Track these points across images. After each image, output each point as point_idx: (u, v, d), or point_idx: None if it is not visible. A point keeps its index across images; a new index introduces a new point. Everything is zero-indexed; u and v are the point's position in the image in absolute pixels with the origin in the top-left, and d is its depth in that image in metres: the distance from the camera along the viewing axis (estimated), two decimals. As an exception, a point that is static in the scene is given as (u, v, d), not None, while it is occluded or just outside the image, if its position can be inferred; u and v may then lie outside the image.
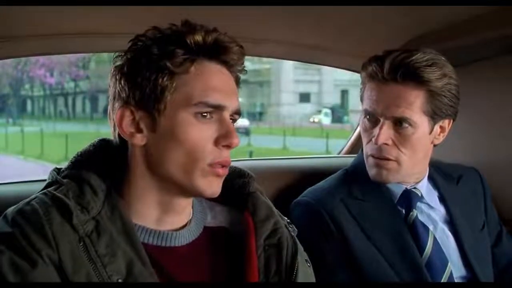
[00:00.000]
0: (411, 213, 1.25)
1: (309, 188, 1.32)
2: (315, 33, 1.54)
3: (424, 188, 1.29)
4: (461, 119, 1.27)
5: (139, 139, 0.85)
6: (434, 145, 1.27)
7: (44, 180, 0.89)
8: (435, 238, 1.23)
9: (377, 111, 1.19)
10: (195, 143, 0.83)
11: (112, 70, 0.87)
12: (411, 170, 1.24)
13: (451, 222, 1.27)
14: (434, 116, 1.19)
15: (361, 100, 1.27)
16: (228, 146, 0.85)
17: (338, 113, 30.06)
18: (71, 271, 0.75)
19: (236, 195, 0.98)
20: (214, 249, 0.91)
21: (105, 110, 0.93)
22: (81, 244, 0.78)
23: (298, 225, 1.03)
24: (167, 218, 0.89)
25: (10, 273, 0.72)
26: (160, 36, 0.85)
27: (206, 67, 0.85)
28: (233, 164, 1.03)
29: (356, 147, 1.88)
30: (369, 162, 1.24)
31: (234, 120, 0.89)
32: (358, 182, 1.28)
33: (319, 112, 30.10)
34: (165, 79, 0.83)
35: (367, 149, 1.24)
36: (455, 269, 1.22)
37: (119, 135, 0.88)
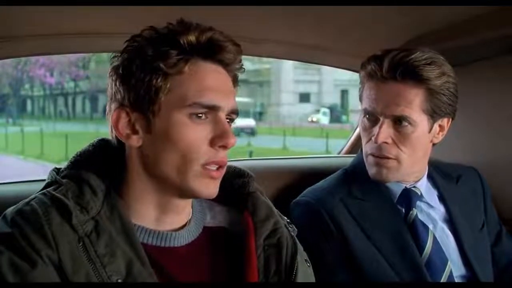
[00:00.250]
0: (411, 212, 1.25)
1: (309, 188, 1.32)
2: (315, 33, 1.54)
3: (424, 187, 1.29)
4: (461, 119, 1.27)
5: (135, 141, 0.85)
6: (433, 144, 1.27)
7: (44, 180, 0.89)
8: (434, 237, 1.24)
9: (377, 110, 1.19)
10: (189, 144, 0.82)
11: (109, 71, 0.87)
12: (410, 169, 1.24)
13: (450, 221, 1.28)
14: (433, 114, 1.20)
15: (360, 99, 1.27)
16: (224, 147, 0.84)
17: (337, 113, 30.06)
18: (70, 271, 0.75)
19: (235, 195, 0.98)
20: (213, 249, 0.91)
21: (105, 110, 0.93)
22: (80, 244, 0.78)
23: (298, 225, 1.03)
24: (166, 219, 0.89)
25: (9, 273, 0.72)
26: (155, 37, 0.84)
27: (200, 67, 0.85)
28: (233, 164, 1.03)
29: (356, 147, 1.88)
30: (369, 161, 1.24)
31: (231, 120, 0.88)
32: (358, 181, 1.28)
33: (318, 111, 30.09)
34: (158, 80, 0.82)
35: (367, 148, 1.24)
36: (455, 268, 1.23)
37: (116, 135, 0.88)
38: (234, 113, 0.88)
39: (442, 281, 1.19)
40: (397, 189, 1.26)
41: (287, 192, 1.40)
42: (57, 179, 0.85)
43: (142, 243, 0.83)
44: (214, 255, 0.91)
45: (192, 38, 0.83)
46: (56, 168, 0.90)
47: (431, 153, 1.34)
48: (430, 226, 1.25)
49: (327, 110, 29.67)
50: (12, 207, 0.80)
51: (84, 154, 0.90)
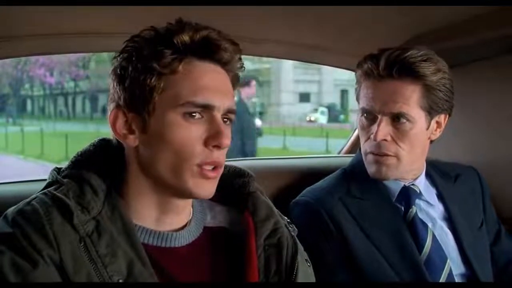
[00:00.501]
0: (410, 210, 1.25)
1: (308, 188, 1.32)
2: (315, 33, 1.54)
3: (422, 184, 1.29)
4: (460, 119, 1.27)
5: (132, 140, 0.85)
6: (431, 141, 1.28)
7: (44, 180, 0.89)
8: (434, 235, 1.24)
9: (375, 108, 1.20)
10: (183, 143, 0.82)
11: (110, 71, 0.88)
12: (409, 166, 1.25)
13: (449, 220, 1.28)
14: (430, 111, 1.21)
15: (357, 99, 1.28)
16: (218, 147, 0.83)
17: (335, 112, 30.05)
18: (72, 271, 0.75)
19: (236, 195, 0.98)
20: (214, 250, 0.91)
21: (105, 110, 0.93)
22: (81, 244, 0.78)
23: (297, 224, 1.03)
24: (166, 219, 0.89)
25: (11, 273, 0.72)
26: (153, 37, 0.85)
27: (195, 67, 0.84)
28: (233, 163, 1.03)
29: (356, 146, 1.88)
30: (368, 160, 1.25)
31: (228, 120, 0.88)
32: (357, 181, 1.28)
33: (316, 110, 30.08)
34: (152, 79, 0.82)
35: (366, 146, 1.25)
36: (454, 266, 1.23)
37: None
38: (231, 112, 0.87)
39: (441, 279, 1.19)
40: (396, 187, 1.27)
41: (287, 191, 1.40)
42: (58, 178, 0.85)
43: (142, 244, 0.83)
44: (215, 255, 0.91)
45: (186, 37, 0.83)
46: (57, 167, 0.90)
47: (431, 153, 1.34)
48: (429, 225, 1.25)
49: (325, 110, 29.66)
50: (13, 207, 0.80)
51: (85, 154, 0.91)
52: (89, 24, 1.27)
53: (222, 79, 0.87)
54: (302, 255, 0.96)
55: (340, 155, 2.03)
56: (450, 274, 1.21)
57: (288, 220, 1.01)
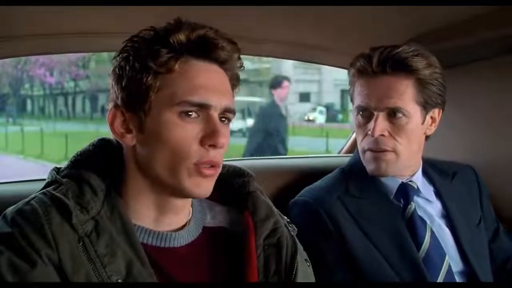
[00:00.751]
0: (409, 206, 1.26)
1: (306, 188, 1.33)
2: (315, 33, 1.54)
3: (419, 181, 1.30)
4: (461, 119, 1.28)
5: (129, 140, 0.86)
6: (427, 137, 1.29)
7: (44, 180, 0.89)
8: (432, 232, 1.24)
9: (370, 104, 1.21)
10: (179, 143, 0.82)
11: (110, 71, 0.88)
12: (407, 162, 1.26)
13: (447, 217, 1.28)
14: (425, 105, 1.22)
15: (352, 99, 1.29)
16: (214, 146, 0.83)
17: (333, 112, 30.02)
18: (70, 271, 0.75)
19: (236, 195, 0.98)
20: (213, 250, 0.91)
21: (104, 110, 0.94)
22: (80, 244, 0.77)
23: (296, 224, 1.03)
24: (165, 219, 0.89)
25: (8, 273, 0.72)
26: (151, 37, 0.85)
27: (192, 66, 0.84)
28: (232, 163, 1.03)
29: (355, 146, 1.88)
30: (367, 157, 1.25)
31: (227, 119, 0.87)
32: (355, 180, 1.29)
33: (314, 110, 30.05)
34: (149, 78, 0.82)
35: (364, 144, 1.25)
36: (453, 263, 1.23)
37: None
38: (229, 112, 0.87)
39: (440, 276, 1.20)
40: (394, 184, 1.27)
41: (287, 191, 1.40)
42: (57, 178, 0.85)
43: (142, 243, 0.83)
44: (214, 255, 0.91)
45: (182, 36, 0.83)
46: (56, 167, 0.90)
47: (431, 152, 1.34)
48: (427, 222, 1.26)
49: (323, 109, 29.61)
50: (12, 207, 0.80)
51: (84, 153, 0.91)
52: (89, 24, 1.27)
53: (219, 78, 0.87)
54: (302, 255, 0.96)
55: (340, 155, 2.04)
56: (449, 270, 1.21)
57: (288, 220, 1.01)
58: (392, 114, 1.20)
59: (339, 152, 2.08)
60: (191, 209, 0.94)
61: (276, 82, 4.40)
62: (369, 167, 1.25)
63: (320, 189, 1.30)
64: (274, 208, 0.99)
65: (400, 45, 1.21)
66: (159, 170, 0.83)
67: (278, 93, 4.29)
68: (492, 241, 1.36)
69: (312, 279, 0.97)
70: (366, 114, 1.23)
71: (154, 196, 0.87)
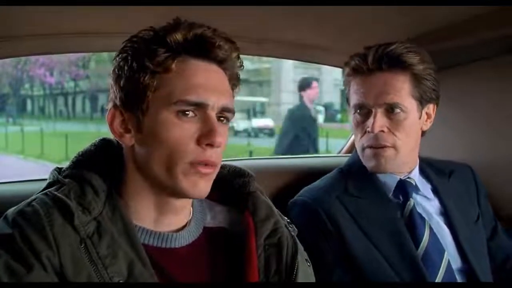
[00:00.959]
0: (408, 203, 1.27)
1: (305, 188, 1.33)
2: (315, 33, 1.54)
3: (417, 178, 1.31)
4: (461, 119, 1.28)
5: (128, 139, 0.86)
6: (423, 133, 1.31)
7: (44, 180, 0.89)
8: (431, 229, 1.25)
9: (368, 102, 1.22)
10: (176, 142, 0.82)
11: (111, 71, 0.88)
12: (406, 158, 1.27)
13: (445, 214, 1.29)
14: (421, 100, 1.24)
15: (348, 99, 1.30)
16: (211, 145, 0.83)
17: (332, 111, 30.00)
18: (71, 273, 0.75)
19: (236, 195, 0.98)
20: (213, 250, 0.91)
21: (104, 110, 0.94)
22: (82, 246, 0.77)
23: (296, 224, 1.03)
24: (164, 220, 0.88)
25: (5, 276, 0.72)
26: (149, 37, 0.85)
27: (189, 65, 0.84)
28: (233, 163, 1.03)
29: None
30: (367, 154, 1.26)
31: (225, 118, 0.87)
32: (354, 179, 1.30)
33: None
34: (146, 78, 0.82)
35: (363, 141, 1.26)
36: (452, 261, 1.23)
37: None
38: (227, 111, 0.86)
39: (440, 272, 1.20)
40: (392, 182, 1.28)
41: (287, 191, 1.40)
42: (59, 178, 0.85)
43: (142, 244, 0.83)
44: (214, 256, 0.91)
45: (179, 36, 0.83)
46: (57, 168, 0.90)
47: (431, 152, 1.34)
48: (426, 219, 1.26)
49: (321, 108, 29.60)
50: (13, 208, 0.80)
51: (86, 154, 0.91)
52: (89, 24, 1.27)
53: (218, 77, 0.87)
54: (302, 255, 0.96)
55: (339, 155, 2.04)
56: (449, 267, 1.22)
57: (288, 220, 1.01)
58: (390, 110, 1.21)
59: (338, 152, 2.08)
60: (191, 209, 0.94)
61: (305, 84, 4.30)
62: (369, 164, 1.26)
63: (319, 189, 1.30)
64: (274, 208, 0.99)
65: (393, 42, 1.23)
66: (157, 170, 0.83)
67: (307, 95, 4.20)
68: (491, 239, 1.37)
69: (312, 279, 0.97)
70: (364, 111, 1.24)
71: (154, 197, 0.87)
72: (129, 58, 0.84)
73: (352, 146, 1.95)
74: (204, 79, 0.84)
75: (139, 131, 0.84)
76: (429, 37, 1.51)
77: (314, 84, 4.33)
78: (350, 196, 1.26)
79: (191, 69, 0.84)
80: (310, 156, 1.95)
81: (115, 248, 0.79)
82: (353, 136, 1.97)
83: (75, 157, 0.90)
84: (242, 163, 1.33)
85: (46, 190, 0.83)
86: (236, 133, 20.57)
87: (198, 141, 0.83)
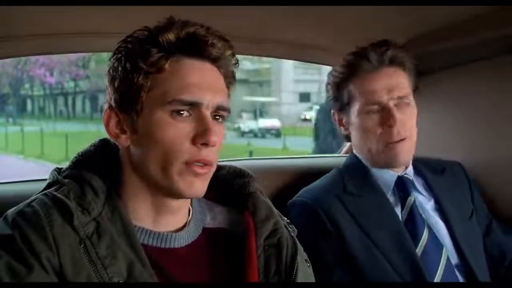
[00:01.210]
0: (409, 198, 1.28)
1: (304, 188, 1.34)
2: (315, 33, 1.54)
3: (412, 174, 1.33)
4: (461, 119, 1.27)
5: (124, 140, 0.86)
6: None
7: (44, 180, 0.89)
8: (429, 225, 1.26)
9: (382, 97, 1.24)
10: (171, 142, 0.82)
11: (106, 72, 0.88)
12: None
13: (440, 211, 1.30)
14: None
15: (348, 100, 1.29)
16: (206, 144, 0.82)
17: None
18: (71, 274, 0.75)
19: (236, 195, 0.98)
20: (213, 250, 0.91)
21: (102, 110, 0.93)
22: (81, 246, 0.77)
23: (296, 225, 1.03)
24: (162, 220, 0.88)
25: (6, 277, 0.72)
26: (144, 37, 0.84)
27: (182, 64, 0.84)
28: (233, 164, 1.03)
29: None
30: (390, 150, 1.26)
31: (220, 117, 0.87)
32: (352, 178, 1.31)
33: (311, 109, 30.03)
34: (140, 78, 0.82)
35: (384, 138, 1.25)
36: (450, 256, 1.24)
37: None
38: (222, 110, 0.86)
39: (440, 267, 1.21)
40: (391, 179, 1.30)
41: (287, 191, 1.40)
42: (59, 179, 0.85)
43: (142, 244, 0.83)
44: (214, 256, 0.91)
45: (171, 36, 0.83)
46: (57, 168, 0.90)
47: (430, 152, 1.34)
48: (423, 215, 1.28)
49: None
50: (13, 208, 0.80)
51: (85, 154, 0.91)
52: (89, 24, 1.27)
53: (212, 76, 0.86)
54: (302, 255, 0.96)
55: (340, 155, 2.03)
56: (448, 263, 1.23)
57: (288, 221, 1.01)
58: (402, 102, 1.25)
59: (339, 153, 2.07)
60: (191, 209, 0.94)
61: None
62: (397, 159, 1.26)
63: (318, 189, 1.31)
64: (274, 208, 0.99)
65: (382, 40, 1.28)
66: (152, 170, 0.83)
67: None
68: (486, 235, 1.38)
69: (312, 279, 0.97)
70: (377, 108, 1.25)
71: (151, 197, 0.87)
72: (122, 59, 0.84)
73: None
74: (198, 78, 0.84)
75: (134, 132, 0.84)
76: (429, 37, 1.51)
77: None
78: (350, 195, 1.27)
79: (185, 68, 0.84)
80: (310, 156, 1.95)
81: (114, 249, 0.79)
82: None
83: (75, 157, 0.90)
84: (242, 163, 1.33)
85: (46, 191, 0.83)
86: (243, 134, 20.52)
87: (193, 141, 0.82)
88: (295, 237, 0.98)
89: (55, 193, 0.81)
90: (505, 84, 1.55)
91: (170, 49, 0.83)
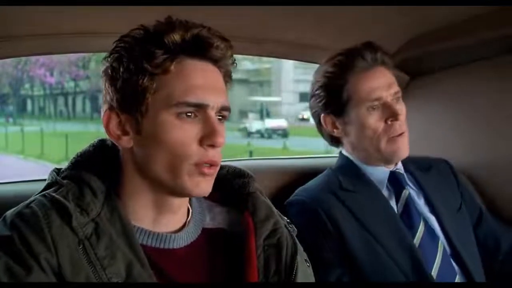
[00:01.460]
0: (404, 191, 1.30)
1: (300, 188, 1.35)
2: (315, 33, 1.54)
3: (402, 170, 1.35)
4: (461, 119, 1.27)
5: (126, 142, 0.85)
6: None
7: (44, 180, 0.88)
8: (425, 217, 1.28)
9: (383, 93, 1.26)
10: (178, 144, 0.81)
11: (101, 72, 0.87)
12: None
13: (430, 204, 1.32)
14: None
15: (349, 97, 1.29)
16: (213, 146, 0.83)
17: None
18: (70, 275, 0.75)
19: (236, 195, 0.98)
20: (212, 251, 0.91)
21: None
22: (80, 247, 0.77)
23: (294, 224, 1.03)
24: (163, 219, 0.88)
25: (5, 278, 0.72)
26: (142, 36, 0.84)
27: (187, 66, 0.84)
28: (233, 164, 1.03)
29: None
30: (394, 144, 1.27)
31: (223, 117, 0.87)
32: (347, 176, 1.32)
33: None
34: (145, 80, 0.81)
35: (389, 132, 1.27)
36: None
37: None
38: (225, 110, 0.86)
39: (437, 259, 1.23)
40: (384, 175, 1.32)
41: (287, 191, 1.40)
42: (58, 180, 0.85)
43: (141, 245, 0.83)
44: (213, 257, 0.91)
45: (177, 37, 0.83)
46: (56, 168, 0.89)
47: (430, 152, 1.34)
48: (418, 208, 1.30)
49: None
50: (12, 210, 0.80)
51: (84, 154, 0.90)
52: (89, 24, 1.27)
53: (214, 77, 0.87)
54: (302, 255, 0.96)
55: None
56: (444, 253, 1.25)
57: (288, 221, 1.01)
58: (397, 98, 1.28)
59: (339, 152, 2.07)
60: (190, 210, 0.94)
61: None
62: (400, 153, 1.28)
63: (314, 188, 1.32)
64: (274, 208, 0.99)
65: (367, 41, 1.31)
66: (159, 171, 0.83)
67: None
68: (478, 226, 1.40)
69: (312, 279, 0.97)
70: (380, 103, 1.27)
71: (152, 196, 0.87)
72: (124, 59, 0.83)
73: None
74: (202, 80, 0.84)
75: (138, 133, 0.84)
76: (429, 37, 1.51)
77: None
78: (346, 192, 1.28)
79: (189, 69, 0.84)
80: (310, 156, 1.94)
81: (113, 249, 0.79)
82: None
83: (74, 158, 0.90)
84: (242, 163, 1.33)
85: (45, 192, 0.83)
86: (249, 134, 20.41)
87: (201, 142, 0.83)
88: (295, 237, 0.97)
89: (53, 194, 0.81)
90: (505, 84, 1.55)
91: (175, 50, 0.83)
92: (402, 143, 1.28)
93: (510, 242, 1.39)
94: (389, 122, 1.26)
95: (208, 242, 0.92)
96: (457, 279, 1.24)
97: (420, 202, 1.32)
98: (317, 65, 1.42)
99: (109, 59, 0.85)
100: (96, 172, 0.86)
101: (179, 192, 0.85)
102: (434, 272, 1.21)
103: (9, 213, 0.79)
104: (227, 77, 0.91)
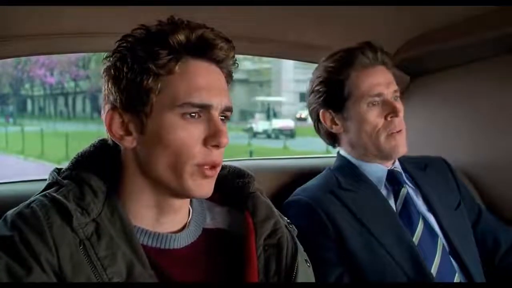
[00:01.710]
0: (402, 189, 1.31)
1: (298, 188, 1.35)
2: (316, 33, 1.54)
3: (400, 168, 1.35)
4: (461, 119, 1.27)
5: (129, 142, 0.85)
6: None
7: (44, 180, 0.88)
8: (423, 215, 1.29)
9: (383, 90, 1.28)
10: (182, 144, 0.82)
11: (102, 72, 0.87)
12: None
13: (427, 203, 1.33)
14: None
15: (349, 93, 1.29)
16: (217, 146, 0.83)
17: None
18: (71, 275, 0.75)
19: (236, 195, 0.98)
20: (213, 251, 0.91)
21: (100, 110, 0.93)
22: (81, 247, 0.77)
23: (293, 224, 1.03)
24: (164, 219, 0.88)
25: (5, 279, 0.72)
26: (145, 36, 0.84)
27: (191, 66, 0.84)
28: (233, 164, 1.03)
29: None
30: (395, 141, 1.29)
31: (226, 118, 0.88)
32: (345, 175, 1.33)
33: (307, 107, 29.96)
34: (149, 81, 0.81)
35: (390, 128, 1.28)
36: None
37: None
38: (228, 110, 0.87)
39: (437, 257, 1.23)
40: (382, 173, 1.32)
41: (287, 191, 1.40)
42: (58, 180, 0.85)
43: (141, 245, 0.83)
44: (214, 257, 0.90)
45: (181, 37, 0.83)
46: (57, 168, 0.89)
47: (429, 152, 1.34)
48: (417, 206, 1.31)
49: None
50: (12, 210, 0.80)
51: (85, 154, 0.90)
52: (89, 24, 1.27)
53: (217, 77, 0.87)
54: (302, 256, 0.96)
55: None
56: (444, 250, 1.25)
57: (288, 221, 1.01)
58: (396, 97, 1.30)
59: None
60: (191, 210, 0.94)
61: None
62: (399, 150, 1.29)
63: (313, 187, 1.32)
64: (274, 208, 0.98)
65: (366, 41, 1.32)
66: (162, 172, 0.83)
67: None
68: (477, 224, 1.40)
69: (312, 279, 0.97)
70: (379, 100, 1.28)
71: (154, 196, 0.87)
72: (128, 59, 0.82)
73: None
74: (206, 80, 0.84)
75: (142, 133, 0.84)
76: (429, 37, 1.51)
77: None
78: (345, 191, 1.28)
79: (193, 70, 0.84)
80: (310, 157, 1.94)
81: (114, 249, 0.79)
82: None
83: (74, 158, 0.90)
84: (242, 163, 1.33)
85: (45, 192, 0.83)
86: (255, 134, 20.30)
87: (205, 143, 0.83)
88: (296, 237, 0.97)
89: (54, 194, 0.81)
90: (505, 84, 1.55)
91: (179, 51, 0.83)
92: (400, 140, 1.29)
93: (509, 240, 1.39)
94: (388, 119, 1.27)
95: (209, 242, 0.92)
96: (457, 276, 1.24)
97: (418, 201, 1.33)
98: (317, 65, 1.42)
99: (111, 58, 0.85)
100: (96, 172, 0.86)
101: (181, 193, 0.85)
102: (433, 270, 1.21)
103: (9, 213, 0.79)
104: (228, 77, 0.91)
